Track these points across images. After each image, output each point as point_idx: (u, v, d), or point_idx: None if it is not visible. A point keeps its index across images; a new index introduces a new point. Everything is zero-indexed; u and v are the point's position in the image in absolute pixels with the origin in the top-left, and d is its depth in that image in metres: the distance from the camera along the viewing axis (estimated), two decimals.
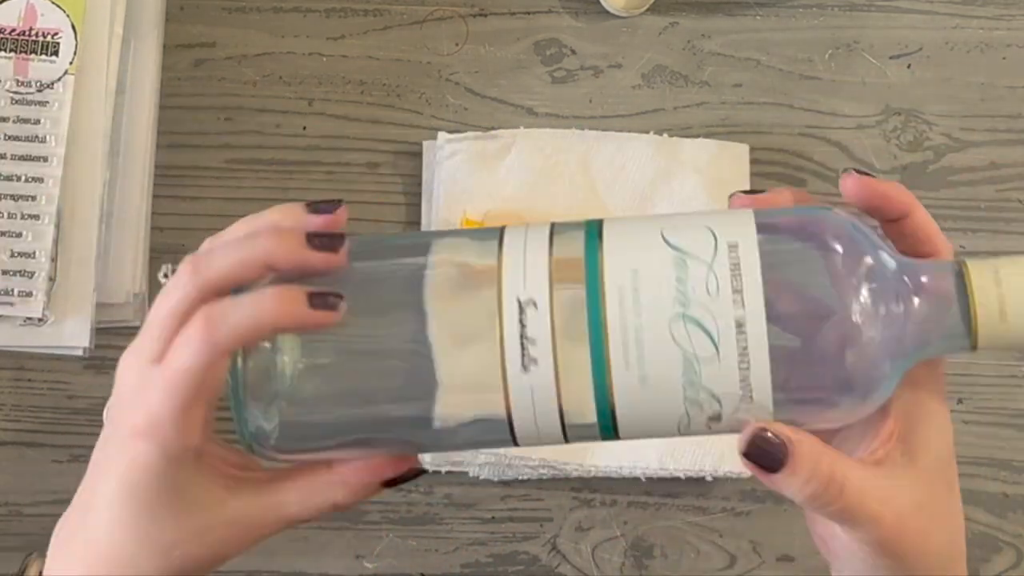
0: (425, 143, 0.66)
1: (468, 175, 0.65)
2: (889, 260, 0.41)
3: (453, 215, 0.64)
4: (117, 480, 0.41)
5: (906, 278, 0.41)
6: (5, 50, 0.63)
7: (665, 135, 0.66)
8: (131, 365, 0.41)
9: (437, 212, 0.65)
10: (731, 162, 0.67)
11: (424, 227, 0.66)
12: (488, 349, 0.38)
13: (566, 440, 0.39)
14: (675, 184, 0.66)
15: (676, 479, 0.64)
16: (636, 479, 0.64)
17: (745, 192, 0.42)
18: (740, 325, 0.37)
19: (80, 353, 0.62)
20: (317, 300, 0.38)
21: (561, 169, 0.66)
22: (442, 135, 0.66)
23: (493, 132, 0.66)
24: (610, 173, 0.66)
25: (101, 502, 0.41)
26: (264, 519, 0.42)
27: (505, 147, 0.66)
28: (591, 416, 0.38)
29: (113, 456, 0.41)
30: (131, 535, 0.41)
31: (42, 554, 0.48)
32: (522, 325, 0.38)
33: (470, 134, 0.66)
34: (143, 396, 0.40)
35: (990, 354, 0.68)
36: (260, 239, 0.41)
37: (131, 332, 0.64)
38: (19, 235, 0.62)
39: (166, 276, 0.47)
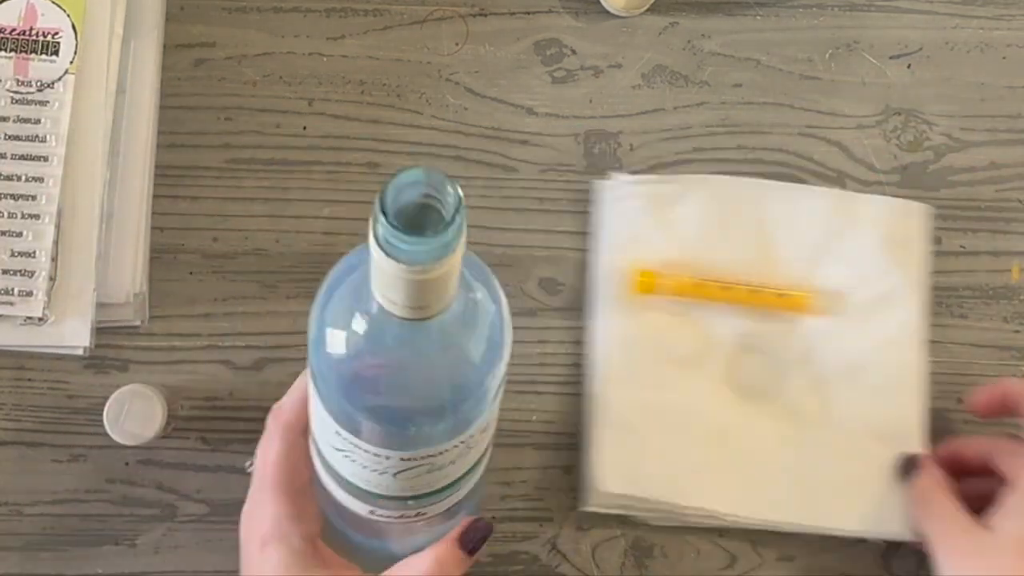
0: (598, 182, 0.66)
1: (641, 217, 0.65)
2: None
3: (623, 262, 0.65)
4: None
5: None
6: (5, 50, 0.63)
7: (843, 190, 0.66)
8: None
9: (608, 252, 0.65)
10: (909, 220, 0.66)
11: (592, 268, 0.66)
12: None
13: None
14: (850, 240, 0.65)
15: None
16: None
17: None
18: None
19: (80, 353, 0.62)
20: None
21: (735, 218, 0.65)
22: (617, 175, 0.66)
23: (670, 176, 0.66)
24: (785, 225, 0.66)
25: None
26: None
27: (682, 191, 0.65)
28: None
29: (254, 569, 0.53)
30: None
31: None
32: None
33: (646, 177, 0.66)
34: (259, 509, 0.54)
35: (990, 353, 0.68)
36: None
37: (131, 332, 0.65)
38: (19, 234, 0.62)
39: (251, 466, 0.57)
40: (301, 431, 0.54)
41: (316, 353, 0.45)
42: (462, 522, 0.55)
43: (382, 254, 0.40)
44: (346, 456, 0.48)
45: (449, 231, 0.40)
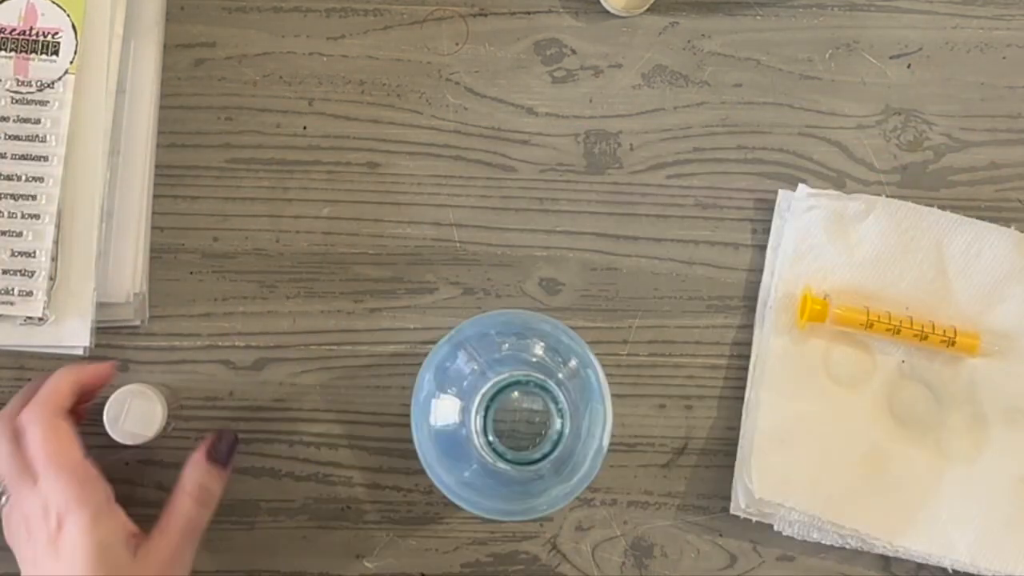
0: (781, 191, 0.67)
1: (821, 232, 0.65)
2: None
3: (798, 280, 0.65)
4: None
5: None
6: (5, 50, 0.63)
7: None
8: None
9: (783, 264, 0.65)
10: None
11: (765, 278, 0.66)
12: None
13: None
14: None
15: None
16: None
17: None
18: None
19: (80, 352, 0.62)
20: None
21: (915, 245, 0.66)
22: (803, 187, 0.66)
23: (855, 195, 0.66)
24: (963, 260, 0.66)
25: None
26: None
27: (864, 211, 0.66)
28: None
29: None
30: None
31: None
32: None
33: (831, 192, 0.66)
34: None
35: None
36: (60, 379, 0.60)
37: (131, 331, 0.65)
38: (19, 234, 0.62)
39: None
40: (53, 412, 0.57)
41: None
42: (207, 439, 0.59)
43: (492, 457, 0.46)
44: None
45: (556, 449, 0.44)
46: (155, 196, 0.65)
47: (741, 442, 0.65)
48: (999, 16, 0.70)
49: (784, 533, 0.64)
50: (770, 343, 0.65)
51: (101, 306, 0.63)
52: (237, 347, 0.65)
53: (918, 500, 0.64)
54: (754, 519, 0.64)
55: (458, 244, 0.67)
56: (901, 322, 0.64)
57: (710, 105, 0.69)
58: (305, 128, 0.67)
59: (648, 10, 0.69)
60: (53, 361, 0.64)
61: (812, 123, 0.69)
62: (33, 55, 0.63)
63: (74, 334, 0.62)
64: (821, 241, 0.65)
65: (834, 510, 0.63)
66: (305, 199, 0.66)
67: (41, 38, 0.63)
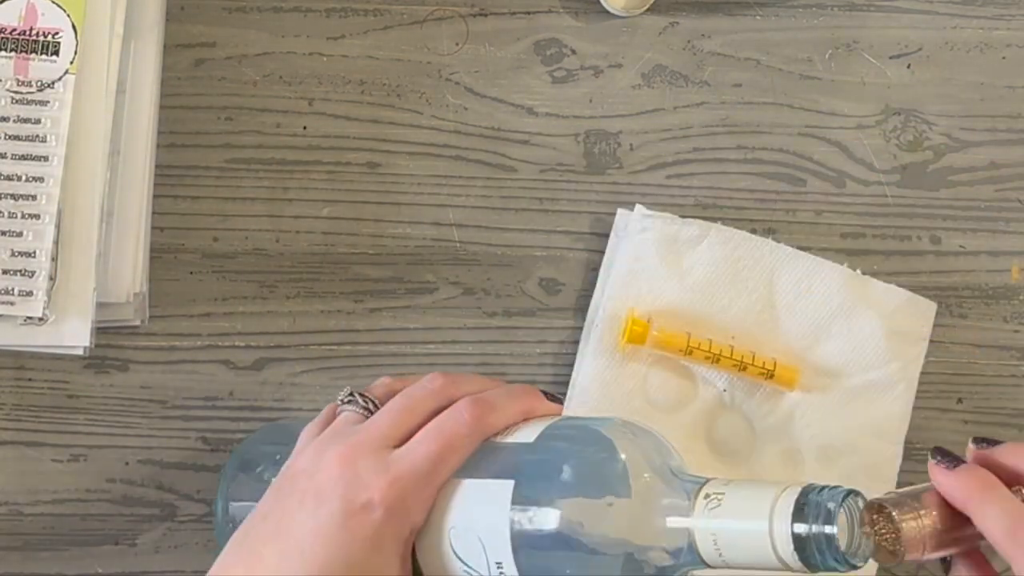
0: (620, 210, 0.66)
1: (654, 254, 0.65)
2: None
3: (626, 301, 0.64)
4: (328, 551, 0.45)
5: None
6: (5, 50, 0.63)
7: (858, 271, 0.66)
8: (359, 450, 0.47)
9: (613, 284, 0.65)
10: (915, 317, 0.66)
11: (596, 295, 0.65)
12: None
13: None
14: (855, 323, 0.65)
15: None
16: None
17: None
18: None
19: (80, 353, 0.62)
20: (549, 396, 0.52)
21: (746, 275, 0.65)
22: (639, 208, 0.65)
23: (690, 220, 0.65)
24: (793, 294, 0.65)
25: (296, 573, 0.45)
26: None
27: (698, 237, 0.65)
28: None
29: (331, 529, 0.45)
30: None
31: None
32: None
33: (667, 215, 0.65)
34: (379, 471, 0.46)
35: (990, 353, 0.68)
36: (524, 398, 0.51)
37: (131, 332, 0.65)
38: (19, 234, 0.62)
39: (352, 396, 0.52)
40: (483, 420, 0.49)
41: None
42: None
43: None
44: None
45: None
46: (155, 196, 0.65)
47: None
48: (999, 16, 0.70)
49: None
50: (590, 363, 0.64)
51: (101, 306, 0.63)
52: (237, 347, 0.65)
53: None
54: None
55: (458, 244, 0.67)
56: (721, 351, 0.63)
57: (710, 105, 0.69)
58: (305, 128, 0.67)
59: (648, 10, 0.69)
60: (53, 361, 0.64)
61: (812, 123, 0.69)
62: (33, 55, 0.63)
63: (74, 334, 0.62)
64: (653, 264, 0.64)
65: None
66: (305, 199, 0.66)
67: (41, 38, 0.63)
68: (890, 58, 0.70)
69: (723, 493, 0.43)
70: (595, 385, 0.64)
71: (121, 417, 0.64)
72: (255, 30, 0.67)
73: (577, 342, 0.66)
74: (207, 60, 0.67)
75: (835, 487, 0.42)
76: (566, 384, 0.65)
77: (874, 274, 0.67)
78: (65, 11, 0.63)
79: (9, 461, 0.64)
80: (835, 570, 0.41)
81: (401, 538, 0.46)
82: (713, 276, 0.65)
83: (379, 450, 0.47)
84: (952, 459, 0.44)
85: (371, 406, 0.51)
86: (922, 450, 0.67)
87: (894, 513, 0.43)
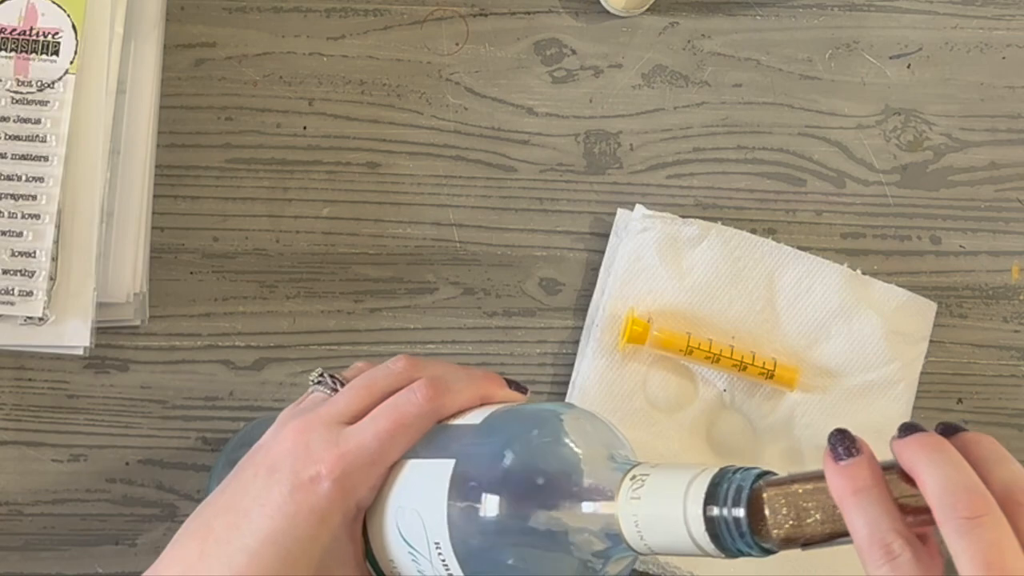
0: (620, 210, 0.66)
1: (654, 254, 0.65)
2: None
3: (626, 301, 0.64)
4: (279, 523, 0.45)
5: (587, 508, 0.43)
6: (6, 50, 0.63)
7: (859, 271, 0.66)
8: (312, 425, 0.47)
9: (613, 284, 0.65)
10: (915, 316, 0.66)
11: (596, 295, 0.65)
12: None
13: None
14: (855, 322, 0.65)
15: None
16: None
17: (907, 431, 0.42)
18: None
19: (80, 353, 0.62)
20: (512, 384, 0.51)
21: (746, 275, 0.65)
22: (639, 208, 0.66)
23: (690, 220, 0.65)
24: (793, 293, 0.65)
25: (255, 537, 0.45)
26: None
27: (698, 237, 0.65)
28: None
29: (279, 501, 0.45)
30: None
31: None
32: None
33: (667, 215, 0.65)
34: (330, 446, 0.46)
35: (990, 353, 0.68)
36: (482, 382, 0.50)
37: (131, 332, 0.65)
38: (19, 234, 0.62)
39: (321, 376, 0.51)
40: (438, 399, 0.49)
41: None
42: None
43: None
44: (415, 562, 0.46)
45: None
46: (155, 196, 0.65)
47: None
48: (999, 16, 0.70)
49: None
50: (590, 363, 0.64)
51: (101, 306, 0.63)
52: (237, 347, 0.65)
53: None
54: None
55: (458, 244, 0.67)
56: (721, 351, 0.63)
57: (710, 105, 0.69)
58: (305, 128, 0.67)
59: (648, 10, 0.69)
60: (53, 361, 0.64)
61: (812, 123, 0.69)
62: (33, 55, 0.63)
63: (74, 334, 0.62)
64: (653, 264, 0.65)
65: None
66: (305, 199, 0.66)
67: (41, 38, 0.63)
68: (890, 58, 0.70)
69: (647, 475, 0.42)
70: (595, 385, 0.64)
71: (121, 417, 0.64)
72: (255, 30, 0.67)
73: (577, 342, 0.66)
74: (207, 60, 0.67)
75: (749, 468, 0.40)
76: (566, 384, 0.65)
77: (874, 274, 0.67)
78: (65, 11, 0.63)
79: (9, 461, 0.64)
80: (748, 555, 0.40)
81: (348, 514, 0.46)
82: (713, 276, 0.65)
83: (332, 426, 0.47)
84: (845, 448, 0.41)
85: (339, 387, 0.51)
86: None
87: (792, 494, 0.40)
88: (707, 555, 0.41)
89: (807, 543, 0.41)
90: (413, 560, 0.46)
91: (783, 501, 0.40)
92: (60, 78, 0.63)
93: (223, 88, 0.67)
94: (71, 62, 0.63)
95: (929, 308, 0.66)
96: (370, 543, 0.48)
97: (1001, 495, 0.39)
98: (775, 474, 0.41)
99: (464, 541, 0.43)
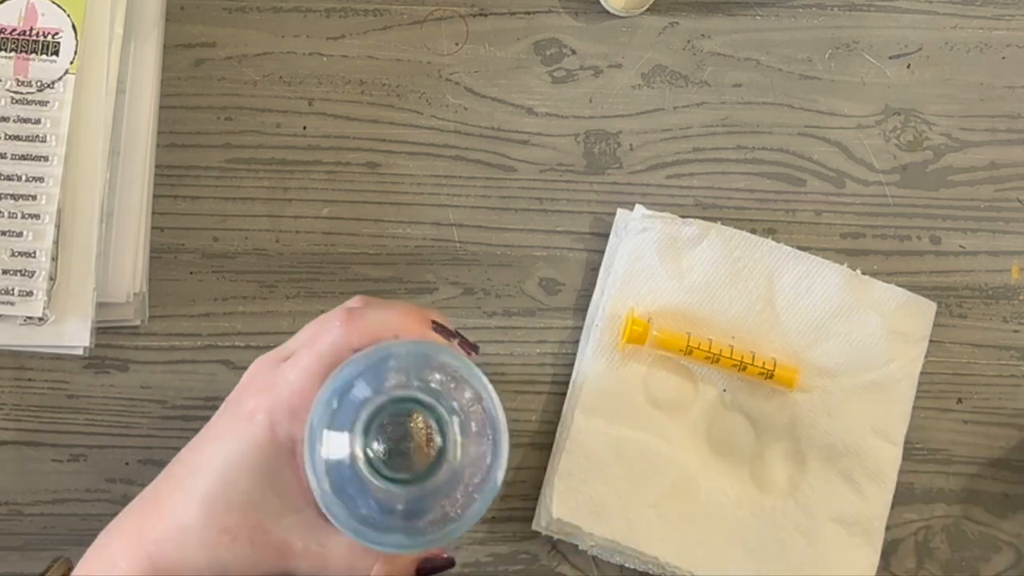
0: (620, 210, 0.66)
1: (654, 254, 0.65)
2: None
3: (625, 301, 0.64)
4: (224, 454, 0.47)
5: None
6: (5, 50, 0.63)
7: (859, 271, 0.66)
8: (259, 366, 0.49)
9: (613, 284, 0.65)
10: (915, 316, 0.66)
11: (596, 295, 0.66)
12: None
13: None
14: (855, 322, 0.65)
15: None
16: None
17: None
18: None
19: (80, 352, 0.62)
20: (436, 327, 0.50)
21: (746, 275, 0.65)
22: (639, 208, 0.66)
23: (690, 220, 0.65)
24: (793, 293, 0.65)
25: (205, 469, 0.47)
26: (309, 551, 0.48)
27: (698, 237, 0.65)
28: None
29: (223, 434, 0.48)
30: (207, 513, 0.47)
31: (71, 556, 0.50)
32: None
33: (667, 215, 0.65)
34: (266, 382, 0.48)
35: (990, 353, 0.68)
36: (400, 316, 0.50)
37: (131, 331, 0.65)
38: (19, 234, 0.62)
39: None
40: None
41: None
42: (424, 552, 0.51)
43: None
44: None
45: (439, 468, 0.45)
46: (155, 196, 0.65)
47: (551, 460, 0.64)
48: (999, 16, 0.70)
49: (589, 553, 0.64)
50: (590, 363, 0.64)
51: (101, 306, 0.63)
52: (237, 347, 0.65)
53: (724, 532, 0.63)
54: (555, 536, 0.64)
55: (458, 244, 0.67)
56: (721, 351, 0.63)
57: (710, 105, 0.69)
58: (305, 128, 0.67)
59: (648, 10, 0.69)
60: (53, 361, 0.64)
61: (812, 123, 0.69)
62: (33, 55, 0.63)
63: (74, 334, 0.62)
64: (653, 263, 0.65)
65: (635, 537, 0.62)
66: (305, 199, 0.66)
67: (41, 38, 0.63)
68: (890, 58, 0.70)
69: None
70: (595, 385, 0.64)
71: (121, 417, 0.64)
72: (255, 30, 0.67)
73: (577, 342, 0.66)
74: (207, 60, 0.67)
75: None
76: (566, 384, 0.65)
77: (874, 274, 0.67)
78: (65, 11, 0.63)
79: (9, 461, 0.64)
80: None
81: (284, 445, 0.47)
82: (713, 276, 0.65)
83: (275, 363, 0.49)
84: None
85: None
86: (922, 450, 0.67)
87: None
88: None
89: None
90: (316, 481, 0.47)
91: None
92: (60, 78, 0.63)
93: (223, 88, 0.67)
94: (71, 62, 0.63)
95: (929, 308, 0.66)
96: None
97: None
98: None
99: (320, 464, 0.46)
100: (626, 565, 0.64)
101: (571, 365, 0.66)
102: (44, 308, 0.61)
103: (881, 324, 0.65)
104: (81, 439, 0.64)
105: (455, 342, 0.51)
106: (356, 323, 0.49)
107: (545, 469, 0.65)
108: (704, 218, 0.66)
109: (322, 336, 0.49)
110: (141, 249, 0.64)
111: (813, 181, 0.68)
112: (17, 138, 0.63)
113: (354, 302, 0.51)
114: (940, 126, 0.69)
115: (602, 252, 0.67)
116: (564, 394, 0.65)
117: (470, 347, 0.51)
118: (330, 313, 0.50)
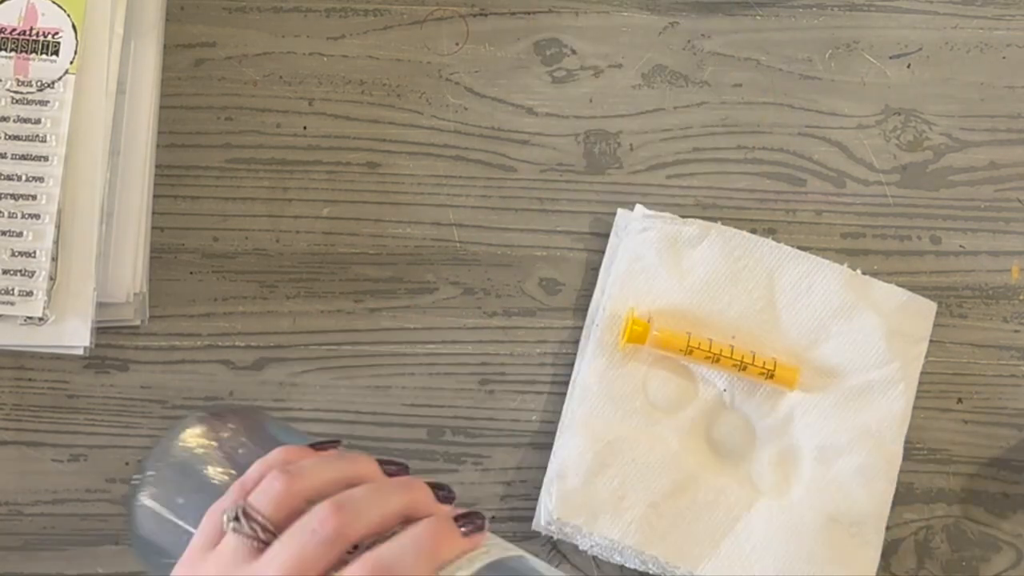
0: (620, 210, 0.66)
1: (654, 254, 0.65)
2: None
3: (626, 301, 0.64)
4: None
5: None
6: (6, 50, 0.63)
7: (859, 271, 0.66)
8: (225, 560, 0.43)
9: (613, 284, 0.65)
10: (915, 316, 0.66)
11: (596, 295, 0.65)
12: None
13: None
14: (855, 322, 0.65)
15: None
16: None
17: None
18: None
19: (80, 352, 0.62)
20: (437, 488, 0.46)
21: (746, 275, 0.65)
22: (639, 208, 0.66)
23: (690, 220, 0.65)
24: (793, 293, 0.65)
25: None
26: None
27: (698, 237, 0.65)
28: None
29: None
30: None
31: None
32: None
33: (667, 215, 0.65)
34: None
35: (990, 353, 0.68)
36: (397, 496, 0.45)
37: (131, 332, 0.65)
38: (19, 234, 0.62)
39: (237, 516, 0.44)
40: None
41: None
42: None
43: None
44: None
45: None
46: (155, 196, 0.65)
47: (551, 460, 0.64)
48: (999, 16, 0.70)
49: (589, 553, 0.64)
50: (590, 363, 0.64)
51: (101, 306, 0.63)
52: (237, 347, 0.65)
53: (724, 530, 0.63)
54: (555, 536, 0.64)
55: (458, 244, 0.67)
56: (721, 351, 0.63)
57: (710, 105, 0.69)
58: (305, 128, 0.67)
59: (648, 10, 0.69)
60: (53, 361, 0.64)
61: (812, 123, 0.69)
62: (33, 55, 0.63)
63: (74, 334, 0.62)
64: (653, 263, 0.65)
65: (634, 536, 0.62)
66: (305, 199, 0.66)
67: (41, 38, 0.63)
68: (890, 58, 0.70)
69: None
70: (595, 385, 0.64)
71: (121, 417, 0.64)
72: (255, 30, 0.67)
73: (577, 342, 0.66)
74: (207, 60, 0.67)
75: None
76: (566, 384, 0.65)
77: (874, 274, 0.67)
78: (65, 11, 0.63)
79: (9, 461, 0.64)
80: None
81: None
82: (713, 276, 0.65)
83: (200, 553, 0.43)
84: None
85: (259, 533, 0.44)
86: (922, 450, 0.67)
87: None
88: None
89: None
90: None
91: None
92: (60, 78, 0.63)
93: (223, 88, 0.67)
94: (71, 62, 0.63)
95: (929, 308, 0.66)
96: None
97: None
98: None
99: None
100: (626, 565, 0.64)
101: (571, 365, 0.66)
102: (44, 308, 0.61)
103: (881, 324, 0.65)
104: (81, 439, 0.64)
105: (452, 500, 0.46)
106: (352, 525, 0.43)
107: (545, 469, 0.65)
108: (704, 218, 0.66)
109: (304, 541, 0.42)
110: (141, 249, 0.64)
111: (813, 181, 0.68)
112: (17, 138, 0.63)
113: (325, 525, 0.43)
114: (940, 126, 0.69)
115: (602, 252, 0.67)
116: (564, 394, 0.65)
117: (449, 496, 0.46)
118: (315, 539, 0.43)
